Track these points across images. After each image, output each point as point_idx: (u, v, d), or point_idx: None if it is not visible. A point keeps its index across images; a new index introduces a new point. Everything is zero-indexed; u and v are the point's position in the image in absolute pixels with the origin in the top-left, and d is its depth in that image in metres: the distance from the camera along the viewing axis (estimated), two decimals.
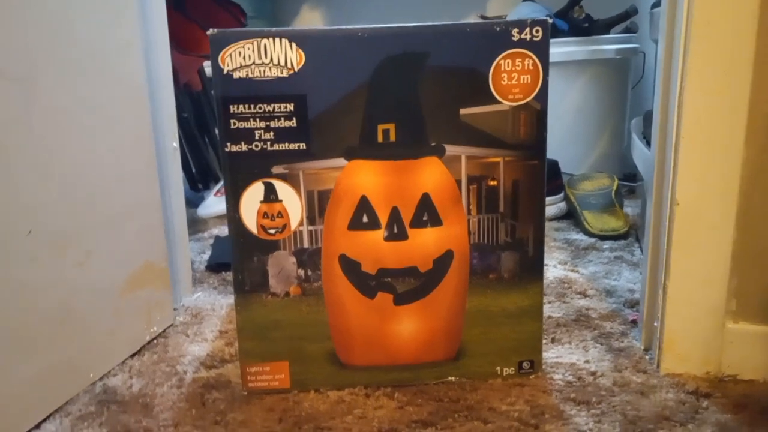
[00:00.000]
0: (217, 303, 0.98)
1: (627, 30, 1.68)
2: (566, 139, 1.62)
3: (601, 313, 0.88)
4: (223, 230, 1.42)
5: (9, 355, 0.63)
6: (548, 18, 0.64)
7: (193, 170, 1.66)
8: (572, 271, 1.06)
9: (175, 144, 0.97)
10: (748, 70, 0.65)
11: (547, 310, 0.89)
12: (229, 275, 1.10)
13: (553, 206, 1.39)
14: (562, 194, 1.41)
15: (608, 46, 1.60)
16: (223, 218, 1.50)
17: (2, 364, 0.62)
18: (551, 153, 1.49)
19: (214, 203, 1.48)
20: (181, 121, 1.52)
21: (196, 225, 1.44)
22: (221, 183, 1.53)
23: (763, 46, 0.64)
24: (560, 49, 1.55)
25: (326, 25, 2.12)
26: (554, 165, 1.43)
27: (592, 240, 1.23)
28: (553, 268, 1.07)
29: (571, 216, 1.39)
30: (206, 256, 1.21)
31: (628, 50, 1.63)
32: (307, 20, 2.14)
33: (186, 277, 1.01)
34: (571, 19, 1.63)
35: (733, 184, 0.67)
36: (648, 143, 1.04)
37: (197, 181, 1.66)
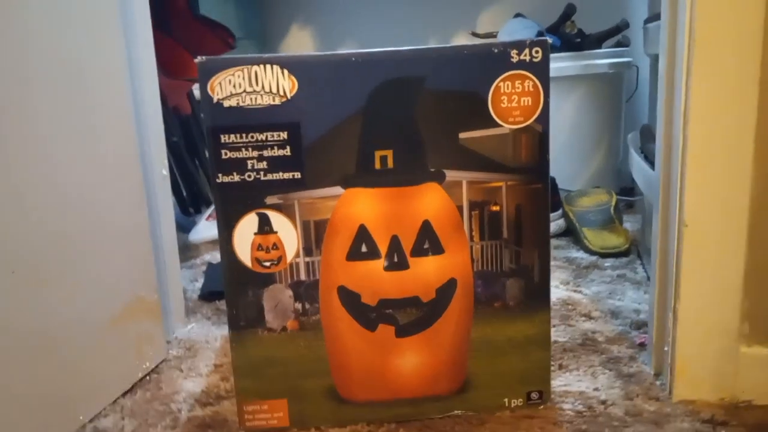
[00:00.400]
0: (211, 334, 0.95)
1: (619, 44, 1.67)
2: (561, 155, 1.61)
3: (607, 336, 0.86)
4: (216, 256, 1.39)
5: None
6: (547, 39, 0.62)
7: (184, 194, 1.63)
8: (575, 291, 1.04)
9: (165, 171, 0.94)
10: (754, 87, 0.63)
11: (553, 334, 0.87)
12: (223, 304, 1.07)
13: (552, 223, 1.37)
14: (560, 211, 1.39)
15: (601, 60, 1.60)
16: (216, 244, 1.47)
17: None
18: None
19: (206, 228, 1.45)
20: (171, 145, 1.49)
21: (187, 251, 1.41)
22: (212, 207, 1.50)
23: None
24: (552, 65, 1.52)
25: (316, 45, 2.11)
26: (551, 181, 1.41)
27: (593, 258, 1.21)
28: (555, 289, 1.05)
29: (570, 233, 1.37)
30: (199, 284, 1.18)
31: (621, 64, 1.62)
32: (297, 39, 2.13)
33: (178, 307, 0.98)
34: (563, 34, 1.62)
35: (743, 204, 0.65)
36: (646, 158, 1.03)
37: (188, 206, 1.63)
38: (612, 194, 1.37)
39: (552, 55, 1.56)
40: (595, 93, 1.62)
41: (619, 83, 1.67)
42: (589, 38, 1.64)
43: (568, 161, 1.63)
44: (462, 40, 1.98)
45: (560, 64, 1.56)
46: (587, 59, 1.59)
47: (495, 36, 1.75)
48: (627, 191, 1.63)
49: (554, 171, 1.47)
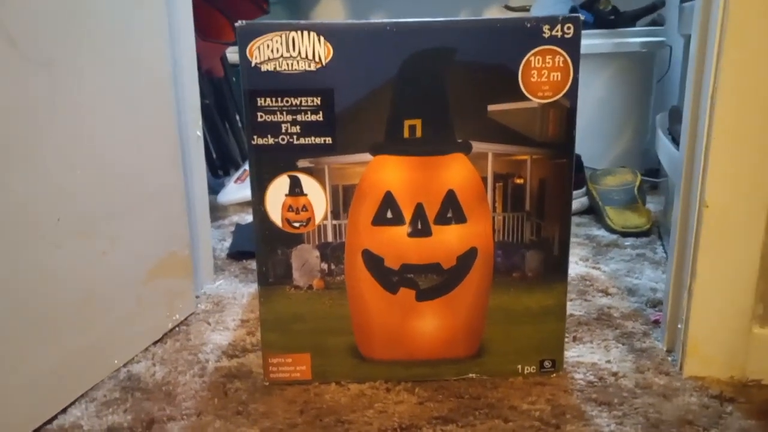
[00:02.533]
0: (238, 291, 0.98)
1: (653, 23, 1.65)
2: (589, 133, 1.60)
3: (623, 312, 0.88)
4: (244, 217, 1.42)
5: (34, 340, 0.64)
6: (580, 15, 0.63)
7: (214, 156, 1.66)
8: (594, 268, 1.05)
9: (199, 132, 0.97)
10: None
11: (569, 308, 0.89)
12: (250, 263, 1.11)
13: (575, 201, 1.38)
14: (584, 189, 1.40)
15: (634, 39, 1.58)
16: (244, 205, 1.51)
17: (28, 349, 0.63)
18: None
19: (235, 190, 1.49)
20: (203, 108, 1.52)
21: (216, 212, 1.45)
22: (241, 169, 1.54)
23: None
24: (585, 42, 1.51)
25: (347, 11, 2.11)
26: (577, 159, 1.42)
27: (614, 236, 1.22)
28: (575, 265, 1.07)
29: (592, 211, 1.38)
30: (227, 243, 1.22)
31: (654, 44, 1.60)
32: (329, 5, 2.13)
33: (207, 264, 1.02)
34: (597, 11, 1.60)
35: (764, 187, 0.66)
36: (674, 139, 1.03)
37: (218, 168, 1.67)
38: (637, 174, 1.37)
39: (584, 32, 1.55)
40: (626, 72, 1.61)
41: (651, 63, 1.65)
42: (624, 16, 1.62)
43: (596, 139, 1.63)
44: (494, 12, 1.96)
45: (592, 41, 1.55)
46: (620, 37, 1.57)
47: (528, 9, 1.73)
48: (653, 172, 1.63)
49: (581, 149, 1.47)
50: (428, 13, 1.94)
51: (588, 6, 1.63)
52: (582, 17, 0.63)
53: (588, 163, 1.49)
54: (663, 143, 1.07)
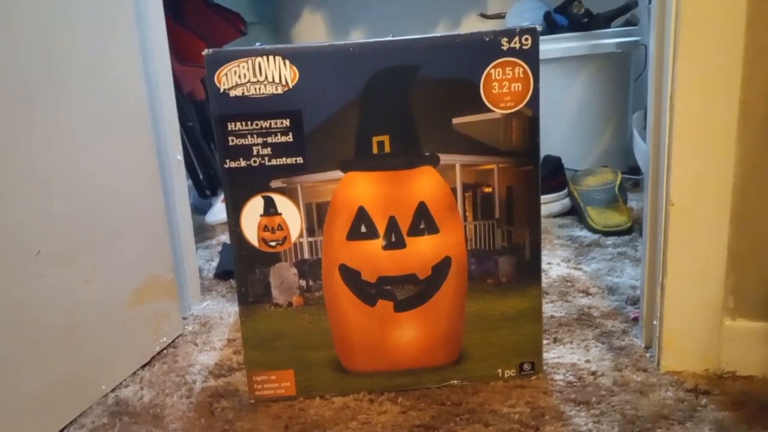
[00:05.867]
0: (225, 311, 1.00)
1: (628, 23, 1.68)
2: (569, 135, 1.63)
3: (603, 311, 0.89)
4: None
5: (20, 370, 0.65)
6: (537, 26, 0.65)
7: (201, 177, 1.68)
8: (575, 269, 1.07)
9: (180, 156, 0.98)
10: (737, 69, 0.65)
11: (550, 309, 0.91)
12: None
13: (557, 203, 1.40)
14: (565, 191, 1.42)
15: (609, 40, 1.60)
16: None
17: (14, 379, 0.64)
18: (554, 149, 1.50)
19: (222, 210, 1.50)
20: (187, 130, 1.54)
21: (204, 232, 1.46)
22: None
23: (752, 45, 0.64)
24: (560, 45, 1.55)
25: (327, 29, 2.14)
26: (557, 161, 1.43)
27: (596, 236, 1.24)
28: (557, 266, 1.08)
29: (574, 212, 1.40)
30: (214, 263, 1.23)
31: (629, 43, 1.62)
32: (309, 23, 2.15)
33: (194, 285, 1.03)
34: (571, 14, 1.63)
35: (726, 183, 0.67)
36: None
37: (205, 188, 1.68)
38: (617, 173, 1.39)
39: (559, 36, 1.58)
40: (602, 73, 1.63)
41: (628, 62, 1.67)
42: (598, 18, 1.64)
43: (576, 141, 1.65)
44: (472, 21, 1.99)
45: (568, 44, 1.57)
46: (595, 39, 1.60)
47: (504, 17, 1.76)
48: (635, 170, 1.65)
49: (562, 151, 1.50)
50: (406, 25, 1.96)
51: (562, 10, 1.65)
52: (539, 28, 0.65)
53: (570, 164, 1.51)
54: (638, 142, 1.09)
